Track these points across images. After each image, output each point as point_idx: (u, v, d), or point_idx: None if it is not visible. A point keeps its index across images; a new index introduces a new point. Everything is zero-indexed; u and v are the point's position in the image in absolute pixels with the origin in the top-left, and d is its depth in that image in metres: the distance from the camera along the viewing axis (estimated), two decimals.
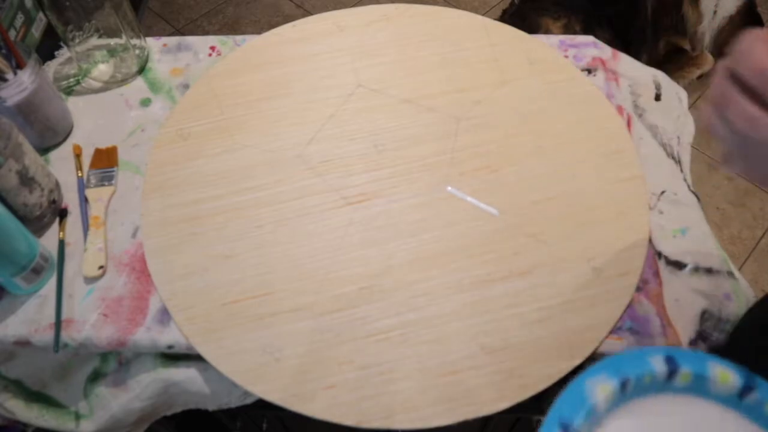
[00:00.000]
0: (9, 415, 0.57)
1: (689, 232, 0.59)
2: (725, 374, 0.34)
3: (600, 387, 0.33)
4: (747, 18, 1.61)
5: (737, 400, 0.34)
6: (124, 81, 0.73)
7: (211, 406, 0.58)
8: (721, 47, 1.64)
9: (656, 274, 0.56)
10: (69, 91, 0.72)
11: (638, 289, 0.55)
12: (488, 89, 0.69)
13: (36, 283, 0.56)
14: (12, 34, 0.98)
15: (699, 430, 0.34)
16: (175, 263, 0.57)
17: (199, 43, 0.77)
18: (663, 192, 0.62)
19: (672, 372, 0.34)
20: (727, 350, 0.56)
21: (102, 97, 0.72)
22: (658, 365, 0.34)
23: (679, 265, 0.57)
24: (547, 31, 1.56)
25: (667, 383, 0.34)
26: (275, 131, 0.66)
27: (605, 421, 0.33)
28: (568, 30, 1.56)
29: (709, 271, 0.57)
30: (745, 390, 0.33)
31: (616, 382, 0.33)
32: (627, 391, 0.34)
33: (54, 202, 0.60)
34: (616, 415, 0.33)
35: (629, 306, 0.54)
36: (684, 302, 0.54)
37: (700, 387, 0.34)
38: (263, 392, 0.50)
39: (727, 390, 0.34)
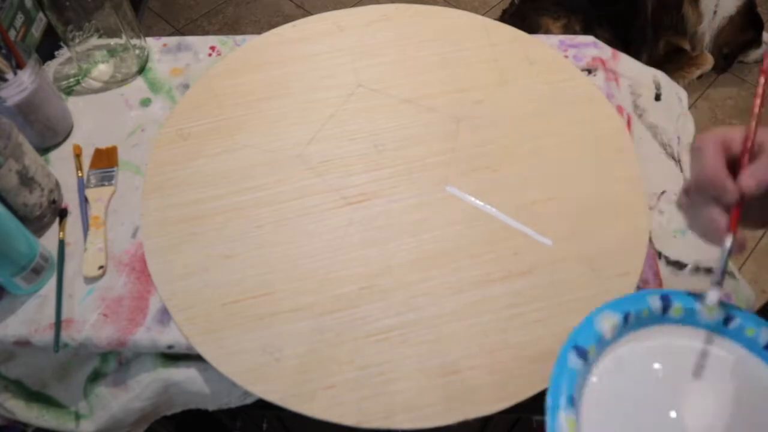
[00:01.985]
0: (9, 415, 0.57)
1: (689, 233, 0.59)
2: (711, 307, 0.40)
3: (606, 319, 0.40)
4: (747, 18, 1.61)
5: (723, 326, 0.40)
6: (124, 81, 0.73)
7: (211, 406, 0.58)
8: (721, 47, 1.65)
9: (656, 274, 0.56)
10: (69, 91, 0.72)
11: (638, 289, 0.55)
12: (488, 89, 0.69)
13: (36, 283, 0.56)
14: (12, 34, 0.98)
15: (690, 350, 0.40)
16: (175, 263, 0.57)
17: (199, 43, 0.77)
18: (663, 192, 0.62)
19: (666, 307, 0.41)
20: None
21: (102, 97, 0.72)
22: (653, 302, 0.41)
23: (679, 265, 0.57)
24: (547, 31, 1.56)
25: (663, 317, 0.41)
26: (275, 131, 0.66)
27: (612, 346, 0.40)
28: (568, 30, 1.56)
29: (709, 271, 0.57)
30: (728, 319, 0.40)
31: (619, 315, 0.40)
32: (629, 323, 0.40)
33: (54, 202, 0.60)
34: (622, 341, 0.40)
35: None
36: None
37: (691, 318, 0.41)
38: (263, 392, 0.50)
39: (714, 319, 0.40)
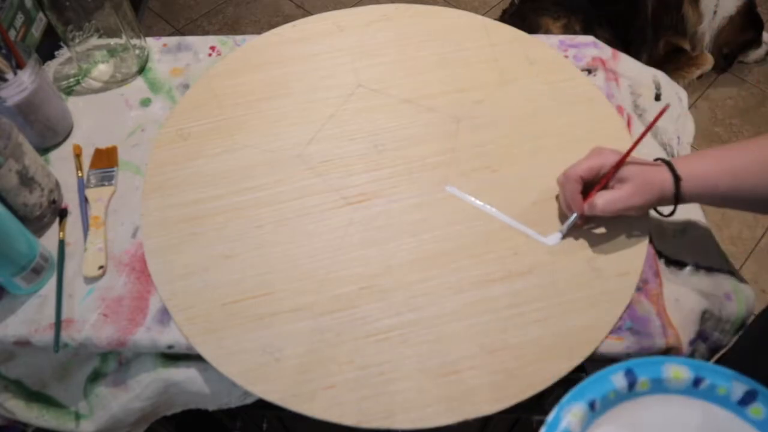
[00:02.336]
0: (9, 415, 0.57)
1: (689, 232, 0.59)
2: (678, 372, 0.40)
3: (571, 413, 0.39)
4: (747, 18, 1.61)
5: (693, 389, 0.40)
6: (124, 81, 0.73)
7: (211, 406, 0.58)
8: (721, 47, 1.65)
9: (656, 274, 0.56)
10: (69, 91, 0.72)
11: (638, 289, 0.55)
12: (488, 89, 0.68)
13: (36, 283, 0.56)
14: (12, 34, 0.98)
15: (666, 418, 0.40)
16: (175, 263, 0.57)
17: (199, 43, 0.77)
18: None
19: (632, 383, 0.40)
20: (732, 359, 0.56)
21: (102, 97, 0.72)
22: (618, 381, 0.40)
23: (679, 265, 0.57)
24: (547, 31, 1.56)
25: (630, 393, 0.40)
26: (275, 131, 0.66)
27: None
28: (568, 30, 1.56)
29: (709, 270, 0.57)
30: (697, 381, 0.40)
31: (584, 404, 0.39)
32: (596, 410, 0.40)
33: (54, 202, 0.60)
34: (592, 429, 0.39)
35: (629, 306, 0.54)
36: (684, 302, 0.54)
37: (659, 388, 0.40)
38: (263, 392, 0.50)
39: (683, 384, 0.40)
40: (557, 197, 0.59)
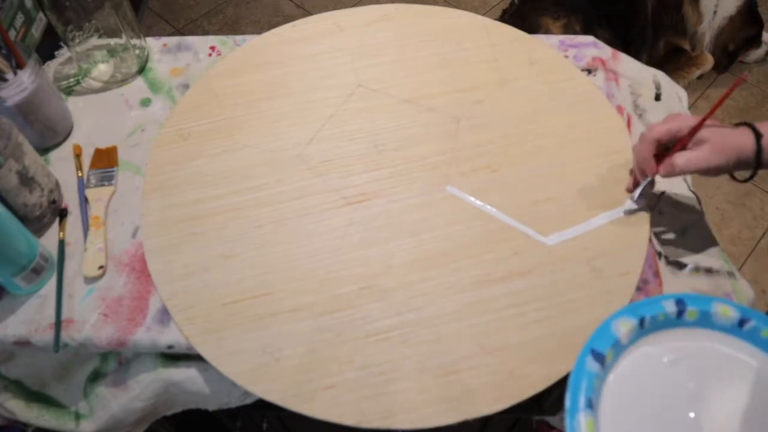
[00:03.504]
0: (9, 415, 0.57)
1: (689, 233, 0.59)
2: (726, 309, 0.41)
3: (622, 324, 0.41)
4: (747, 18, 1.61)
5: (738, 329, 0.41)
6: (124, 81, 0.73)
7: (211, 406, 0.58)
8: (724, 45, 1.65)
9: (656, 274, 0.56)
10: (69, 91, 0.72)
11: (638, 289, 0.55)
12: (488, 89, 0.68)
13: (36, 283, 0.56)
14: (12, 34, 0.98)
15: (709, 349, 0.41)
16: (175, 263, 0.57)
17: (199, 43, 0.77)
18: (663, 192, 0.62)
19: (681, 311, 0.42)
20: None
21: (102, 97, 0.72)
22: (669, 306, 0.42)
23: (679, 266, 0.57)
24: (547, 31, 1.56)
25: (678, 320, 0.42)
26: (275, 131, 0.66)
27: (629, 349, 0.41)
28: (568, 30, 1.56)
29: (709, 271, 0.57)
30: (743, 321, 0.41)
31: (635, 319, 0.41)
32: (645, 327, 0.42)
33: (54, 202, 0.60)
34: (639, 344, 0.42)
35: None
36: None
37: (706, 321, 0.42)
38: (263, 392, 0.50)
39: (729, 321, 0.41)
40: (554, 204, 0.59)
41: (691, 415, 0.39)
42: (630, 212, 0.57)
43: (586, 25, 1.57)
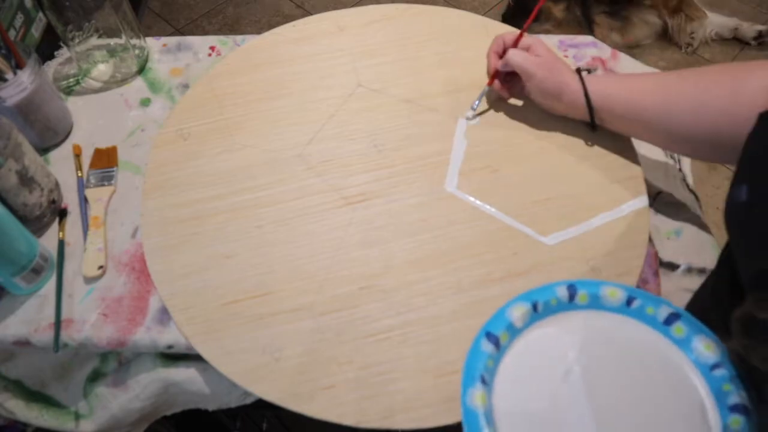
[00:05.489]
0: (9, 415, 0.57)
1: (684, 233, 0.59)
2: (614, 291, 0.45)
3: (516, 309, 0.44)
4: None
5: (626, 308, 0.45)
6: (124, 81, 0.73)
7: (211, 406, 0.58)
8: None
9: (656, 273, 0.56)
10: (69, 91, 0.72)
11: (637, 288, 0.55)
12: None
13: (36, 283, 0.56)
14: (12, 34, 0.98)
15: (599, 325, 0.45)
16: (175, 263, 0.57)
17: (199, 43, 0.77)
18: (659, 193, 0.62)
19: (572, 295, 0.45)
20: None
21: (102, 97, 0.72)
22: (560, 291, 0.45)
23: (671, 266, 0.57)
24: (549, 16, 1.57)
25: (570, 304, 0.45)
26: (275, 131, 0.66)
27: (524, 332, 0.45)
28: (569, 12, 1.58)
29: (702, 271, 0.57)
30: (630, 300, 0.44)
31: (528, 304, 0.45)
32: (539, 311, 0.45)
33: (54, 202, 0.60)
34: (533, 327, 0.45)
35: None
36: (675, 302, 0.54)
37: (596, 303, 0.45)
38: (263, 392, 0.50)
39: (617, 302, 0.45)
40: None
41: (580, 385, 0.42)
42: (471, 118, 0.65)
43: (585, 3, 1.59)
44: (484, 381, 0.41)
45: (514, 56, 0.60)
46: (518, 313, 0.44)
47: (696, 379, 0.42)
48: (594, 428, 0.40)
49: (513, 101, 0.67)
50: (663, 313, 0.44)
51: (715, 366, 0.41)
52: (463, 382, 0.41)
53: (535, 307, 0.45)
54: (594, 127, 0.60)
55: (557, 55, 0.62)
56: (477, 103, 0.65)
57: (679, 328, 0.43)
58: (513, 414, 0.41)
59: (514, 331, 0.44)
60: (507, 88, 0.65)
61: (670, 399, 0.41)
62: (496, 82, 0.64)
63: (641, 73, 0.62)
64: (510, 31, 0.64)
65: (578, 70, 0.59)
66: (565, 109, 0.61)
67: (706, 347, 0.42)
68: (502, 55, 0.63)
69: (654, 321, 0.44)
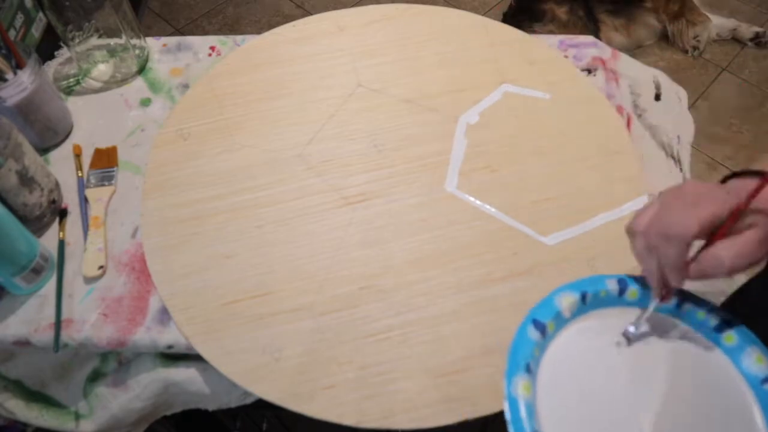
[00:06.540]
0: (9, 415, 0.57)
1: None
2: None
3: (564, 298, 0.43)
4: None
5: (676, 310, 0.43)
6: (124, 81, 0.73)
7: (211, 406, 0.58)
8: None
9: None
10: (69, 91, 0.72)
11: None
12: (488, 89, 0.68)
13: (36, 283, 0.56)
14: (12, 34, 0.98)
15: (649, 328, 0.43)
16: (175, 263, 0.57)
17: (199, 43, 0.77)
18: (660, 193, 0.62)
19: (622, 289, 0.44)
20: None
21: (102, 97, 0.72)
22: (611, 284, 0.44)
23: None
24: (553, 17, 1.57)
25: (620, 298, 0.44)
26: (275, 131, 0.66)
27: (572, 323, 0.43)
28: (572, 12, 1.58)
29: None
30: (681, 302, 0.43)
31: (577, 294, 0.43)
32: (587, 303, 0.43)
33: (54, 202, 0.60)
34: (581, 319, 0.43)
35: None
36: None
37: (646, 301, 0.43)
38: (263, 392, 0.50)
39: (668, 303, 0.43)
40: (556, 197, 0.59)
41: (624, 386, 0.41)
42: (631, 335, 0.44)
43: (588, 4, 1.59)
44: (529, 370, 0.40)
45: (736, 260, 0.37)
46: (567, 302, 0.43)
47: (746, 392, 0.40)
48: (638, 428, 0.39)
49: (511, 98, 0.67)
50: (714, 319, 0.42)
51: (766, 380, 0.40)
52: (507, 370, 0.39)
53: (583, 297, 0.43)
54: None
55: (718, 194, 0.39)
56: (637, 326, 0.44)
57: (730, 337, 0.41)
58: (557, 405, 0.39)
59: (561, 321, 0.43)
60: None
61: (717, 408, 0.40)
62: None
63: None
64: (667, 216, 0.39)
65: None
66: None
67: (758, 360, 0.40)
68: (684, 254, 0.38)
69: (704, 326, 0.42)
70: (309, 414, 0.49)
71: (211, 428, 0.88)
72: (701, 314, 0.42)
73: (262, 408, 0.64)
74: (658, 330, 0.43)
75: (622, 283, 0.44)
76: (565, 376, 0.41)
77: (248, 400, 0.56)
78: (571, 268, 0.55)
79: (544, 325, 0.42)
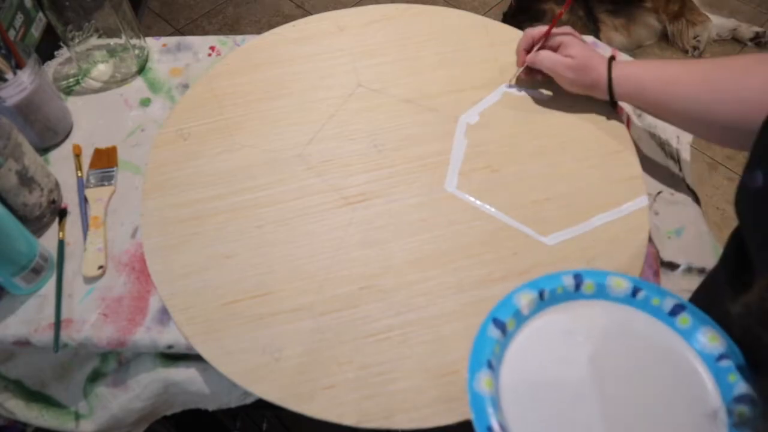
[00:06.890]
0: (9, 415, 0.57)
1: (684, 233, 0.59)
2: (619, 281, 0.45)
3: (523, 296, 0.45)
4: None
5: (631, 298, 0.45)
6: (123, 81, 0.73)
7: (211, 406, 0.58)
8: None
9: (656, 273, 0.56)
10: (69, 91, 0.72)
11: None
12: (488, 89, 0.68)
13: (36, 283, 0.56)
14: (12, 34, 0.98)
15: (606, 315, 0.45)
16: (175, 263, 0.57)
17: (199, 43, 0.77)
18: (659, 193, 0.62)
19: (578, 284, 0.46)
20: None
21: (102, 97, 0.72)
22: (567, 280, 0.46)
23: (671, 266, 0.57)
24: (552, 15, 1.57)
25: (577, 293, 0.46)
26: (275, 131, 0.66)
27: (531, 320, 0.45)
28: (573, 11, 1.58)
29: (702, 271, 0.57)
30: (636, 291, 0.45)
31: (535, 292, 0.45)
32: (545, 299, 0.45)
33: (54, 202, 0.60)
34: (540, 315, 0.45)
35: None
36: None
37: (602, 293, 0.46)
38: (263, 392, 0.50)
39: (623, 292, 0.45)
40: None
41: (586, 371, 0.42)
42: (509, 87, 0.68)
43: (588, 3, 1.59)
44: (491, 366, 0.41)
45: (544, 60, 0.62)
46: (525, 300, 0.45)
47: (701, 370, 0.42)
48: (600, 413, 0.40)
49: (511, 99, 0.67)
50: (668, 304, 0.44)
51: (720, 357, 0.41)
52: (470, 367, 0.41)
53: (541, 294, 0.45)
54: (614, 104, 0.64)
55: (591, 48, 0.62)
56: (511, 81, 0.68)
57: (685, 319, 0.43)
58: (519, 398, 0.41)
59: (520, 318, 0.44)
60: (539, 74, 0.66)
61: (675, 389, 0.42)
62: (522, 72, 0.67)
63: (674, 60, 0.61)
64: (538, 28, 0.64)
65: (610, 60, 0.60)
66: (597, 97, 0.63)
67: (711, 339, 0.42)
68: (530, 50, 0.65)
69: (659, 312, 0.44)
70: (309, 414, 0.49)
71: (211, 428, 0.88)
72: (656, 300, 0.44)
73: (262, 408, 0.64)
74: (616, 321, 0.45)
75: (578, 278, 0.46)
76: (526, 370, 0.43)
77: (248, 400, 0.56)
78: (571, 268, 0.55)
79: (503, 323, 0.44)
